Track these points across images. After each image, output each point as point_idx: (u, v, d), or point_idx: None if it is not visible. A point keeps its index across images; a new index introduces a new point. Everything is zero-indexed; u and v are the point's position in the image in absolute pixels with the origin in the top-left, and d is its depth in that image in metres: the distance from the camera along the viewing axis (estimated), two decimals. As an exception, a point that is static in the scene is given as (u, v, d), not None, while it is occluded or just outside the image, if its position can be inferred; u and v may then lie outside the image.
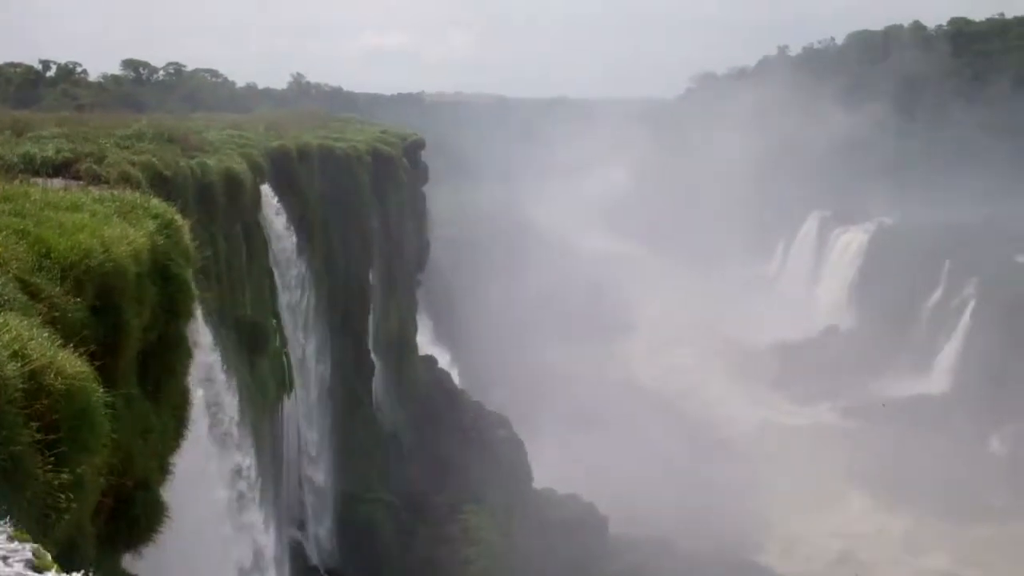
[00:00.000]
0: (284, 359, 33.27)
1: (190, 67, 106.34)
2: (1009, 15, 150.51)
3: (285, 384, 33.05)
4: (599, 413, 73.70)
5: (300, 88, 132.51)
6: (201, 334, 20.04)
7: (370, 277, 45.59)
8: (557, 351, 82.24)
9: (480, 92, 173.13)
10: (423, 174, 60.55)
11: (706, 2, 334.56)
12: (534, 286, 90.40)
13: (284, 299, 34.71)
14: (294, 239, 35.53)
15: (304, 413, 37.26)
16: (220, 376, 22.94)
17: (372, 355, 46.06)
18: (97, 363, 8.83)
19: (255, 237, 31.21)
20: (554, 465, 58.80)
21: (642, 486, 62.43)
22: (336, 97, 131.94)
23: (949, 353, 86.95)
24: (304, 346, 37.13)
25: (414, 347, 55.73)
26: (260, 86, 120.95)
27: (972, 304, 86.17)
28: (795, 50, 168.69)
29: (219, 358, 23.02)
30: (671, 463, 66.62)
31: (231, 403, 23.83)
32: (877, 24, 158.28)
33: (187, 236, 14.78)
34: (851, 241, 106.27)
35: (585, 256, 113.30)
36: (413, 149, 57.92)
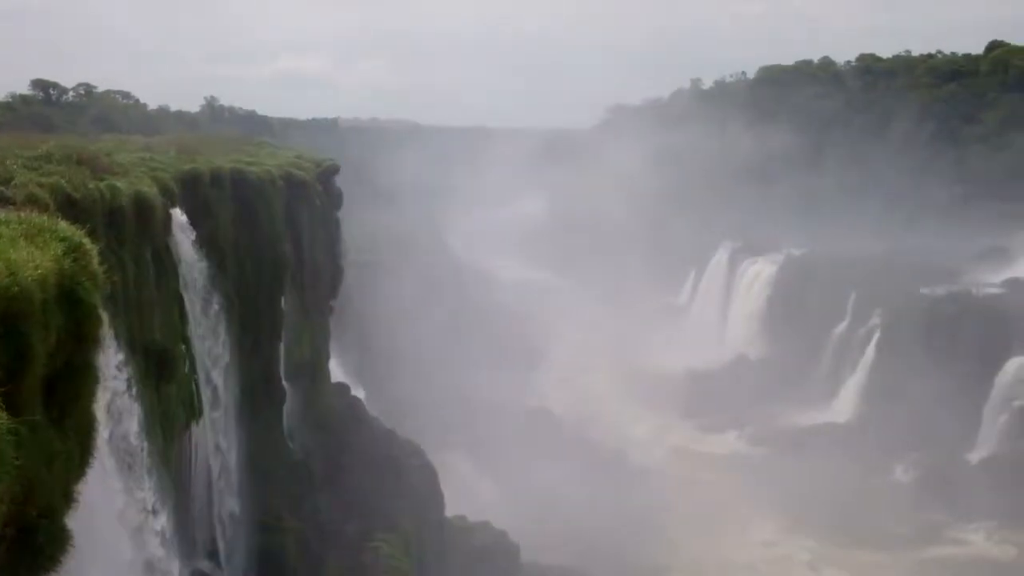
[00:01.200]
0: (193, 385, 32.84)
1: (101, 88, 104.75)
2: (915, 52, 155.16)
3: (194, 411, 32.60)
4: (512, 441, 73.73)
5: (213, 111, 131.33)
6: (108, 360, 19.74)
7: (282, 303, 45.18)
8: (471, 378, 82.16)
9: (396, 118, 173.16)
10: (337, 199, 60.24)
11: (623, 36, 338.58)
12: (449, 313, 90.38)
13: (194, 324, 34.28)
14: (205, 264, 35.14)
15: (213, 440, 36.78)
16: (128, 403, 22.59)
17: (283, 382, 45.59)
18: (1, 389, 8.71)
19: (165, 261, 30.83)
20: (467, 493, 58.73)
21: (554, 513, 62.62)
22: (250, 121, 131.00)
23: (855, 382, 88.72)
24: (214, 372, 36.68)
25: (326, 374, 55.27)
26: (172, 108, 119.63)
27: (877, 335, 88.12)
28: (707, 83, 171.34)
29: (127, 384, 22.67)
30: (582, 490, 66.90)
31: (138, 430, 23.47)
32: (788, 59, 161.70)
33: (95, 260, 14.56)
34: (760, 271, 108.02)
35: (501, 284, 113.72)
36: (327, 174, 57.62)
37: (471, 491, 60.08)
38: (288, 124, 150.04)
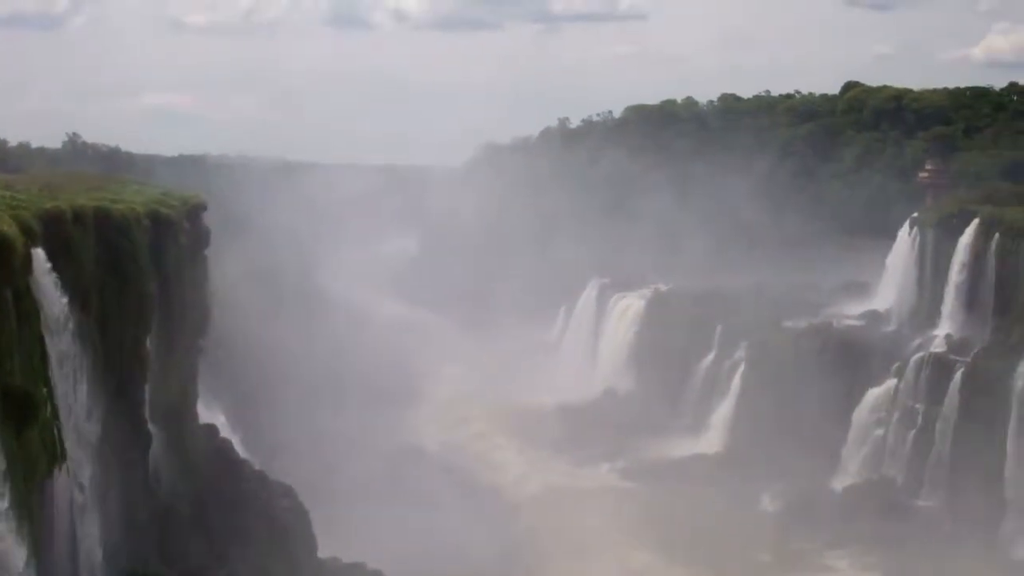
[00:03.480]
0: (55, 430, 31.98)
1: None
2: (775, 92, 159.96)
3: (56, 456, 31.75)
4: (386, 479, 73.28)
5: (75, 148, 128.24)
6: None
7: (148, 343, 44.33)
8: (345, 418, 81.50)
9: (265, 155, 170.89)
10: (205, 237, 59.38)
11: (495, 75, 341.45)
12: (323, 353, 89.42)
13: (56, 367, 33.43)
14: (67, 304, 34.34)
15: (77, 486, 35.81)
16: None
17: (149, 424, 44.66)
18: None
19: (25, 302, 30.05)
20: (341, 533, 58.06)
21: (428, 552, 62.29)
22: (114, 158, 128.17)
23: (722, 414, 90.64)
24: (77, 416, 35.77)
25: (194, 415, 54.29)
26: (34, 145, 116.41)
27: (742, 367, 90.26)
28: (575, 122, 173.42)
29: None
30: (456, 528, 66.67)
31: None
32: (654, 99, 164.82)
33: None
34: (628, 307, 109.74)
35: (374, 322, 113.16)
36: (195, 212, 56.81)
37: (345, 531, 59.38)
38: (154, 161, 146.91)
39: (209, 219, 58.91)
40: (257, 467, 58.26)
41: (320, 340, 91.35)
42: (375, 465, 76.08)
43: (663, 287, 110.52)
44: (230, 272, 76.62)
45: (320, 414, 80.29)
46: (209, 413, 59.20)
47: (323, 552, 55.65)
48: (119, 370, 40.80)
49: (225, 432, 58.93)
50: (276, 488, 56.78)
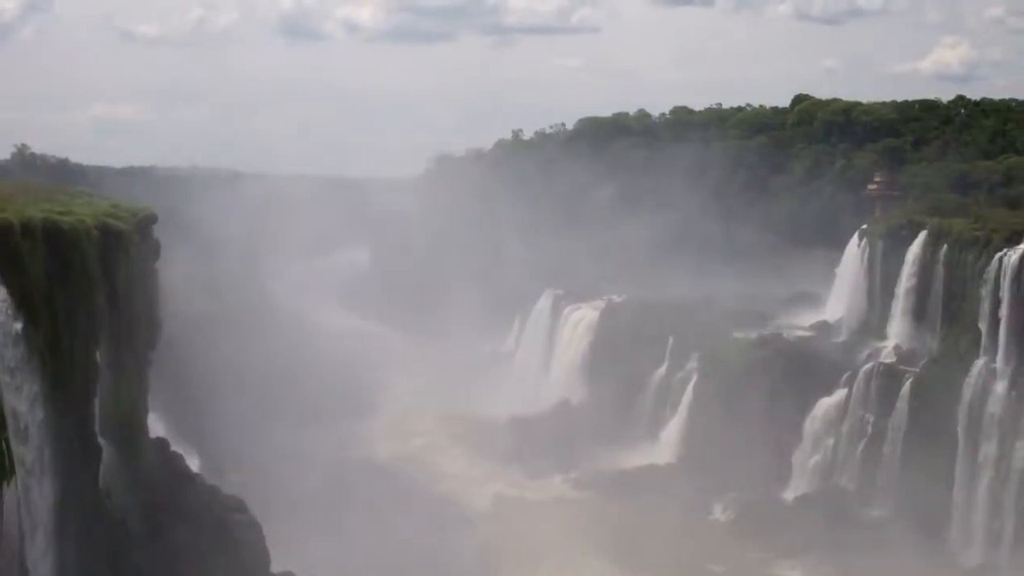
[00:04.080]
0: (3, 444, 31.58)
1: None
2: (726, 105, 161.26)
3: (4, 471, 31.33)
4: (339, 492, 72.95)
5: (24, 159, 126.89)
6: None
7: (97, 357, 43.89)
8: (298, 431, 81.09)
9: (216, 166, 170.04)
10: (155, 249, 58.94)
11: (449, 88, 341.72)
12: (275, 365, 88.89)
13: (4, 381, 33.01)
14: (15, 318, 33.93)
15: (25, 501, 35.35)
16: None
17: (99, 438, 44.20)
18: None
19: (-27, 316, 29.67)
20: (294, 547, 57.70)
21: (382, 565, 62.11)
22: (63, 169, 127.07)
23: (675, 425, 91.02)
24: (26, 430, 35.34)
25: (144, 429, 53.77)
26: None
27: (695, 378, 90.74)
28: (528, 134, 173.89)
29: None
30: (411, 540, 66.49)
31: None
32: (606, 111, 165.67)
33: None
34: (582, 318, 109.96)
35: (327, 334, 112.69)
36: (145, 224, 56.35)
37: (298, 545, 59.03)
38: (104, 172, 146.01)
39: (159, 231, 58.46)
40: (209, 481, 57.77)
41: (272, 352, 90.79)
42: (327, 477, 75.76)
43: (616, 298, 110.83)
44: (181, 284, 76.13)
45: (272, 427, 79.83)
46: (161, 427, 58.71)
47: (276, 566, 55.24)
48: (68, 383, 40.36)
49: (177, 446, 58.41)
50: (229, 502, 56.33)
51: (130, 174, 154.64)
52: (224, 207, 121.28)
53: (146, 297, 54.20)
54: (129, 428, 49.84)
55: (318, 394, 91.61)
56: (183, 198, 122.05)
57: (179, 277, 74.46)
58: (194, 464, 59.99)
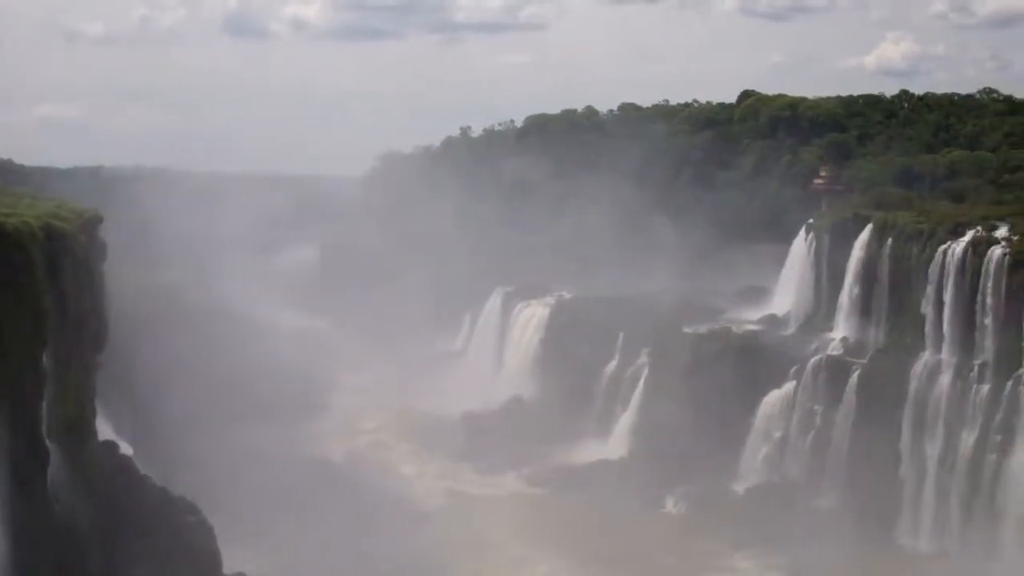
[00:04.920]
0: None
1: None
2: (673, 101, 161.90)
3: (-50, 476, 30.92)
4: (292, 492, 72.57)
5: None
6: None
7: (43, 359, 43.41)
8: (249, 431, 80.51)
9: (162, 166, 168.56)
10: (102, 251, 58.42)
11: (397, 85, 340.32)
12: (224, 365, 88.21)
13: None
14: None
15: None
16: None
17: (47, 441, 43.71)
18: None
19: (-84, 319, 29.25)
20: (247, 548, 57.41)
21: (335, 564, 61.95)
22: (7, 170, 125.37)
23: (626, 420, 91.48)
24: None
25: (93, 432, 53.24)
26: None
27: (645, 373, 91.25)
28: (477, 131, 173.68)
29: None
30: (363, 540, 66.34)
31: None
32: (555, 108, 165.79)
33: None
34: (533, 315, 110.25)
35: (277, 334, 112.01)
36: (90, 225, 55.85)
37: (251, 546, 58.74)
38: (48, 173, 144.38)
39: (105, 232, 57.93)
40: (159, 483, 57.28)
41: (221, 352, 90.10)
42: (279, 477, 75.30)
43: (567, 295, 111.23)
44: (128, 285, 75.43)
45: (223, 427, 79.22)
46: (109, 429, 58.12)
47: (228, 567, 54.96)
48: (14, 387, 39.91)
49: (126, 448, 57.89)
50: (179, 504, 55.92)
51: (75, 175, 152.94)
52: (171, 207, 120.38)
53: (93, 298, 53.71)
54: (77, 431, 49.35)
55: (269, 394, 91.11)
56: (129, 198, 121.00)
57: (126, 278, 73.81)
58: (144, 466, 59.43)
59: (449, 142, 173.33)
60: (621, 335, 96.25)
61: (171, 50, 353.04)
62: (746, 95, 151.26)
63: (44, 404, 43.21)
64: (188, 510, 55.89)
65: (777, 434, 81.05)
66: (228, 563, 55.03)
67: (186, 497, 57.09)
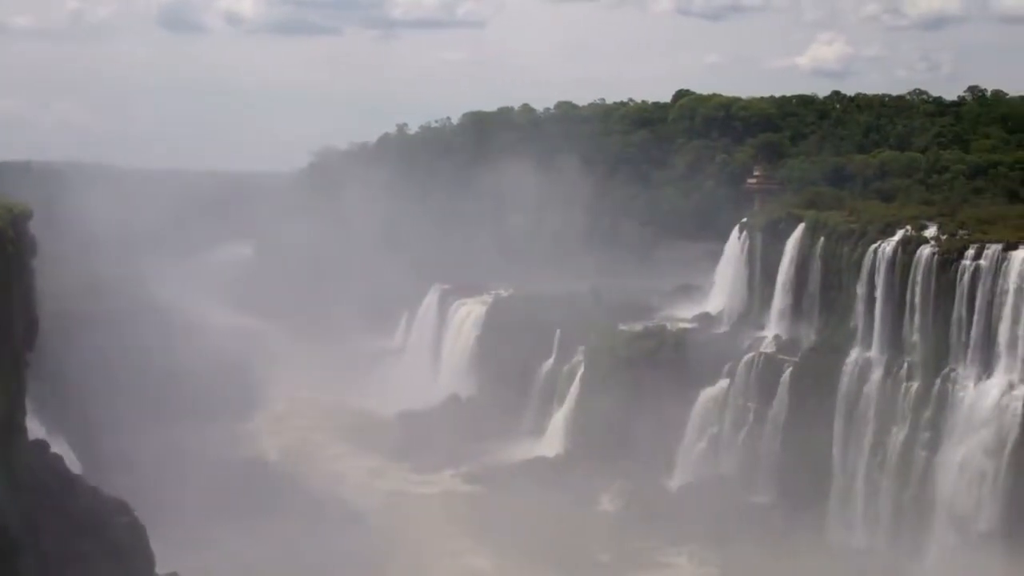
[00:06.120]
0: None
1: None
2: (610, 101, 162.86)
3: None
4: (226, 492, 71.90)
5: None
6: None
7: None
8: (182, 430, 79.72)
9: (94, 161, 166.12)
10: (31, 247, 57.51)
11: (333, 82, 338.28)
12: (158, 364, 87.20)
13: None
14: None
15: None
16: None
17: (-25, 441, 43.05)
18: None
19: None
20: (181, 548, 56.85)
21: (270, 563, 61.63)
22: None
23: (562, 417, 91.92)
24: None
25: (23, 431, 52.45)
26: None
27: (581, 370, 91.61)
28: (414, 128, 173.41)
29: None
30: (299, 538, 66.07)
31: None
32: (492, 105, 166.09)
33: None
34: (470, 312, 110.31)
35: (212, 332, 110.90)
36: (20, 220, 54.90)
37: (185, 545, 58.16)
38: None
39: (36, 228, 57.03)
40: (91, 483, 56.56)
41: (154, 350, 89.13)
42: (213, 476, 74.62)
43: (503, 292, 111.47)
44: (59, 282, 74.31)
45: (156, 427, 78.43)
46: (39, 428, 57.29)
47: (162, 568, 54.42)
48: (-58, 386, 39.22)
49: (57, 447, 57.11)
50: (111, 504, 55.22)
51: (5, 170, 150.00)
52: (103, 203, 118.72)
53: (23, 295, 52.87)
54: (7, 430, 48.60)
55: (203, 393, 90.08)
56: (60, 194, 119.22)
57: (57, 275, 72.69)
58: (75, 466, 58.69)
59: (385, 139, 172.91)
60: (558, 333, 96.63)
61: (104, 44, 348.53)
62: (681, 95, 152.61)
63: (-28, 403, 42.50)
64: (121, 510, 55.22)
65: (711, 431, 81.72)
66: (161, 563, 54.50)
67: (118, 497, 56.43)
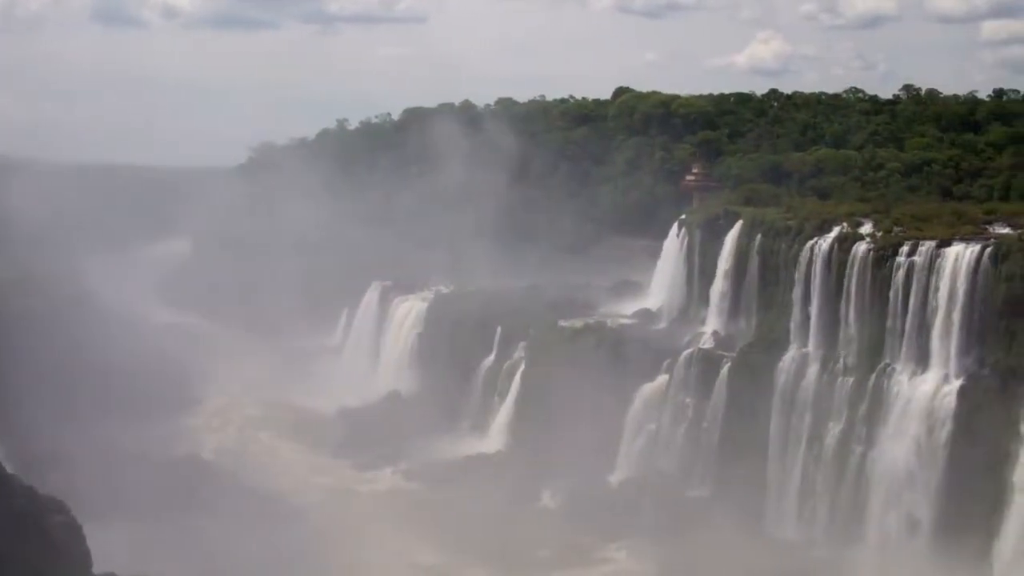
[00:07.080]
0: None
1: None
2: (550, 97, 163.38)
3: None
4: (164, 490, 71.27)
5: None
6: None
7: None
8: (120, 428, 78.85)
9: (23, 155, 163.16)
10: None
11: (271, 77, 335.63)
12: (93, 361, 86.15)
13: None
14: None
15: None
16: None
17: (-94, 441, 42.35)
18: None
19: None
20: (118, 547, 56.20)
21: (209, 561, 61.13)
22: None
23: (503, 414, 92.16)
24: None
25: (-45, 430, 51.77)
26: None
27: (522, 367, 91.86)
28: (354, 123, 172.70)
29: None
30: (239, 536, 65.52)
31: None
32: (432, 101, 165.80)
33: None
34: (410, 309, 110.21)
35: (149, 328, 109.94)
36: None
37: (122, 545, 57.51)
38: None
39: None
40: (26, 482, 55.75)
41: (91, 347, 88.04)
42: (150, 474, 73.94)
43: (444, 289, 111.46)
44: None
45: (92, 424, 77.52)
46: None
47: (99, 567, 53.74)
48: None
49: (-11, 447, 56.27)
50: (47, 503, 54.36)
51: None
52: (35, 198, 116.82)
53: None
54: (-61, 429, 47.82)
55: (140, 390, 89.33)
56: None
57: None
58: (9, 464, 57.74)
59: (325, 134, 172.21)
60: (498, 329, 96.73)
61: (37, 37, 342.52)
62: (621, 92, 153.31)
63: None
64: (56, 509, 54.38)
65: (651, 426, 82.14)
66: (98, 563, 53.84)
67: (54, 496, 55.68)
